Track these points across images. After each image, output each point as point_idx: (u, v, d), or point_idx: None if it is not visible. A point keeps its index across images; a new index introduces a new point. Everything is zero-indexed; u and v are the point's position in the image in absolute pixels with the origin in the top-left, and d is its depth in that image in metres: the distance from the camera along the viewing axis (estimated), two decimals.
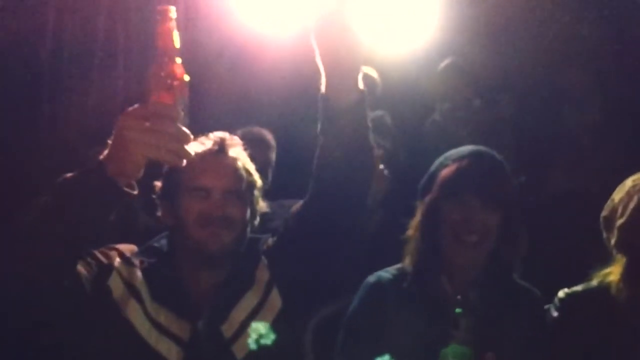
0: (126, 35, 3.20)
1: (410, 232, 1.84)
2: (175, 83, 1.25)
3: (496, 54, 3.43)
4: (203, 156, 1.70)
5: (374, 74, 3.27)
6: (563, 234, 2.59)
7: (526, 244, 1.78)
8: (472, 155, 1.78)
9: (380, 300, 1.81)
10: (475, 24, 3.55)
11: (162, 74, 1.24)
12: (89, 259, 1.62)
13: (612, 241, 1.77)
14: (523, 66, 3.34)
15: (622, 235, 1.73)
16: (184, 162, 1.29)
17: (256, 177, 1.77)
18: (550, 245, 2.43)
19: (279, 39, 3.14)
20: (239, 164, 1.73)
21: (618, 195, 1.77)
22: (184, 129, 1.27)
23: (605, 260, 1.81)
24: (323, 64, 1.48)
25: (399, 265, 1.87)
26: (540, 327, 1.78)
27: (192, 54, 3.33)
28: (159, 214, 1.76)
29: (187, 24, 3.33)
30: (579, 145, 3.08)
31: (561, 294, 1.82)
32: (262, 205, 1.82)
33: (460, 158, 1.77)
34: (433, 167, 1.84)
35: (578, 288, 1.82)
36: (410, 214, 1.88)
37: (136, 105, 1.30)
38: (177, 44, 1.26)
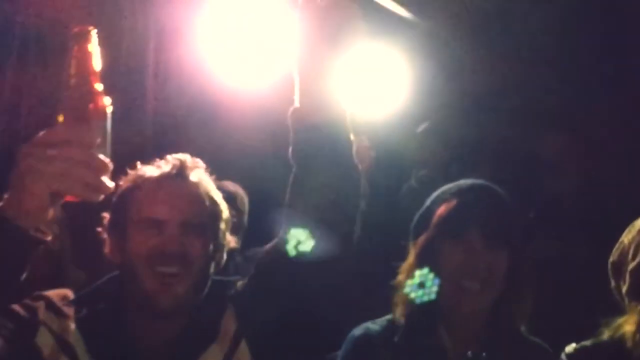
0: None
1: (401, 277, 1.65)
2: (92, 107, 1.07)
3: (472, 119, 3.40)
4: (158, 181, 1.47)
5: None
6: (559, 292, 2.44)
7: (534, 291, 1.59)
8: (473, 189, 1.62)
9: (368, 356, 1.60)
10: (451, 90, 3.54)
11: (77, 96, 1.08)
12: (2, 319, 1.35)
13: (624, 288, 1.61)
14: (500, 131, 3.31)
15: (636, 280, 1.58)
16: (101, 196, 1.06)
17: (222, 206, 1.53)
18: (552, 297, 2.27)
19: (251, 95, 3.07)
20: (201, 190, 1.49)
21: (628, 236, 1.63)
22: (102, 157, 1.05)
23: (614, 312, 1.64)
24: (300, 70, 1.29)
25: (388, 317, 1.67)
26: None
27: (163, 113, 3.24)
28: (106, 250, 1.50)
29: (157, 82, 3.26)
30: (558, 210, 3.00)
31: (569, 349, 1.63)
32: (230, 240, 1.57)
33: (460, 192, 1.61)
34: (428, 203, 1.68)
35: (587, 343, 1.64)
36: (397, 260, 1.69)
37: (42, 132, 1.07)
38: (98, 67, 1.10)
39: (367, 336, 1.64)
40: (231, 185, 2.45)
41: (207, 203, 1.49)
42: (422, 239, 1.63)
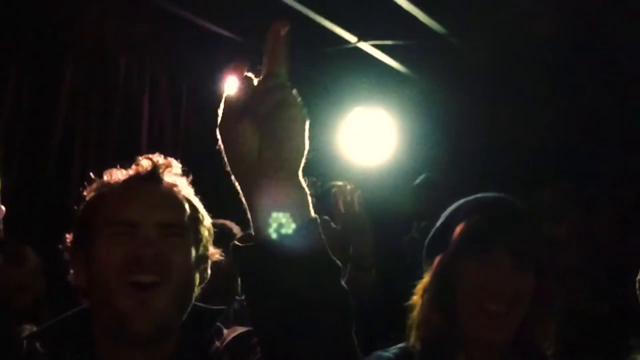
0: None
1: (416, 298, 1.50)
2: None
3: (470, 171, 3.38)
4: (128, 184, 1.26)
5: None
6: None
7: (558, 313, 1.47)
8: (496, 203, 1.49)
9: None
10: (449, 143, 3.53)
11: None
12: None
13: None
14: (498, 181, 3.28)
15: None
16: None
17: (204, 213, 1.31)
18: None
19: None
20: (178, 192, 1.27)
21: None
22: None
23: None
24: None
25: (402, 344, 1.53)
26: None
27: None
28: (71, 274, 1.27)
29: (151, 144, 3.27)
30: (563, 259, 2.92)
31: None
32: (214, 252, 1.32)
33: (483, 207, 1.47)
34: (443, 219, 1.55)
35: None
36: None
37: None
38: None
39: None
40: (227, 223, 2.34)
41: (187, 206, 1.27)
42: (440, 257, 1.49)
